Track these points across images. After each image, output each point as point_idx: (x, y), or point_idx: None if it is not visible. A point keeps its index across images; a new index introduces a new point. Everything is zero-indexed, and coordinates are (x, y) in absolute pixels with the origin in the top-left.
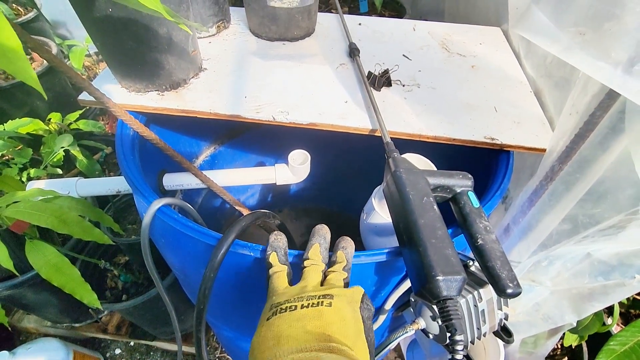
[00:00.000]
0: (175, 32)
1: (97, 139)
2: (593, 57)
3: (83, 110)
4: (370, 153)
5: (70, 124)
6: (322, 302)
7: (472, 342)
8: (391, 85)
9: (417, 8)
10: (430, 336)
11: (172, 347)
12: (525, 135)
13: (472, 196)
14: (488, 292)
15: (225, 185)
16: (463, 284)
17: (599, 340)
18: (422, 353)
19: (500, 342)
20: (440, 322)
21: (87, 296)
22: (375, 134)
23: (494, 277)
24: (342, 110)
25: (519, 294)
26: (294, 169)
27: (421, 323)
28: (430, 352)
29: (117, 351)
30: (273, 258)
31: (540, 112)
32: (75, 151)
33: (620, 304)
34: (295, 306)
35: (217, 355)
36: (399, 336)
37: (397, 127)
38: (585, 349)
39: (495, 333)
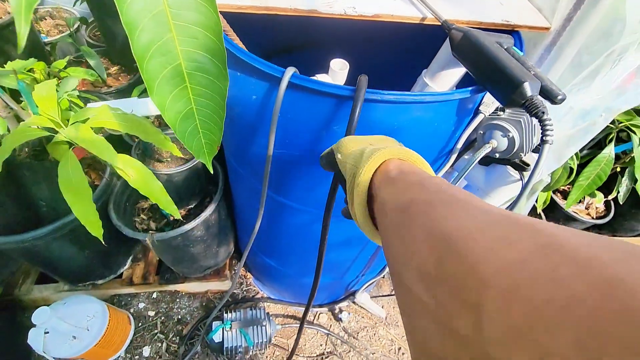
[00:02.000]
0: None
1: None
2: None
3: (67, 58)
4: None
5: (60, 71)
6: None
7: (525, 152)
8: None
9: None
10: (497, 155)
11: (200, 287)
12: (528, 18)
13: (516, 49)
14: None
15: None
16: (538, 88)
17: (550, 210)
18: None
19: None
20: (529, 116)
21: (169, 206)
22: (425, 22)
23: (548, 90)
24: (395, 5)
25: (565, 98)
26: (334, 74)
27: (494, 143)
28: (484, 182)
29: (141, 305)
30: None
31: (529, 4)
32: (76, 99)
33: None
34: None
35: (244, 288)
36: (480, 155)
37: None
38: (543, 215)
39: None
